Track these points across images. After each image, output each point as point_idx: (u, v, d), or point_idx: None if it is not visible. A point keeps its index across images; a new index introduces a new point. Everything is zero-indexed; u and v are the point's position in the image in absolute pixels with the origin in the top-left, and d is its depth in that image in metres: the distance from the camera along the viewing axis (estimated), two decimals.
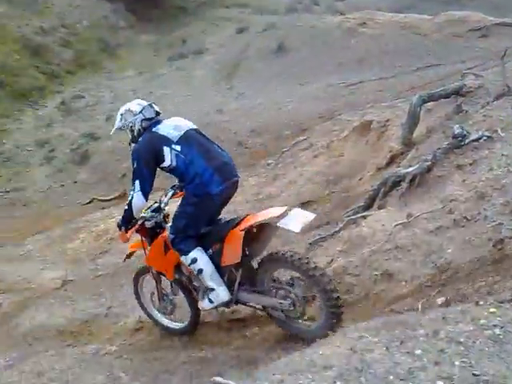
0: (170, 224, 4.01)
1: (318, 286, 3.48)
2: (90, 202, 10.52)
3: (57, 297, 6.27)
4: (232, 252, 3.64)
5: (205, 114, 11.72)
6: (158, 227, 4.10)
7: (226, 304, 3.91)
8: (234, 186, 3.92)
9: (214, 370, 3.63)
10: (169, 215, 4.10)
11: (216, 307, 3.95)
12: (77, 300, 6.01)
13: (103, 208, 9.84)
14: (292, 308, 3.61)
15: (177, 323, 4.47)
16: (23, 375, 4.29)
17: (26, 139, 13.58)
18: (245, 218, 3.74)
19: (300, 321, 3.71)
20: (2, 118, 14.20)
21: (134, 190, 3.83)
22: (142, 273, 4.49)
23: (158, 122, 3.96)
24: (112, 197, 10.34)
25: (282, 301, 3.63)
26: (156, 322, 4.57)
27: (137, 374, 4.07)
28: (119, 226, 4.09)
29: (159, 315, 4.52)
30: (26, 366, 4.45)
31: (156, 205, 4.14)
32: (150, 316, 4.60)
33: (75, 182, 11.63)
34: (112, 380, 4.03)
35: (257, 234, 3.76)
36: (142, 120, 3.93)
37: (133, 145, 4.01)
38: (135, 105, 4.02)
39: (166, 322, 4.49)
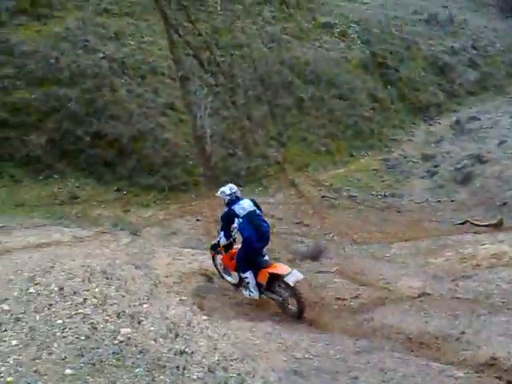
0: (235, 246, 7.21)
1: (294, 294, 6.44)
2: (463, 223, 10.18)
3: (412, 305, 6.25)
4: (262, 278, 6.73)
5: None
6: (230, 246, 7.23)
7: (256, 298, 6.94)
8: (266, 243, 6.91)
9: None
10: (236, 239, 7.22)
11: (250, 296, 6.93)
12: (431, 314, 5.84)
13: (475, 232, 9.36)
14: (285, 301, 6.59)
15: (231, 279, 7.30)
16: (368, 365, 4.40)
17: (413, 151, 14.13)
18: (272, 264, 6.81)
19: (288, 307, 6.59)
20: (396, 129, 15.14)
21: (220, 234, 7.20)
22: (215, 254, 7.66)
23: (236, 202, 6.89)
24: (488, 223, 9.72)
25: (280, 297, 6.64)
26: (223, 277, 7.55)
27: None
28: (211, 249, 7.68)
29: (225, 275, 7.48)
30: (373, 357, 4.55)
31: (231, 239, 7.23)
32: (221, 275, 7.60)
33: (452, 201, 11.46)
34: None
35: (273, 275, 6.66)
36: (228, 199, 6.93)
37: (224, 209, 7.04)
38: (228, 189, 7.00)
39: (228, 278, 7.39)
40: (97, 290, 4.28)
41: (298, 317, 6.38)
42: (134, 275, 5.21)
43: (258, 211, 6.90)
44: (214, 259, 7.69)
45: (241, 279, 7.01)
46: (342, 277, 7.92)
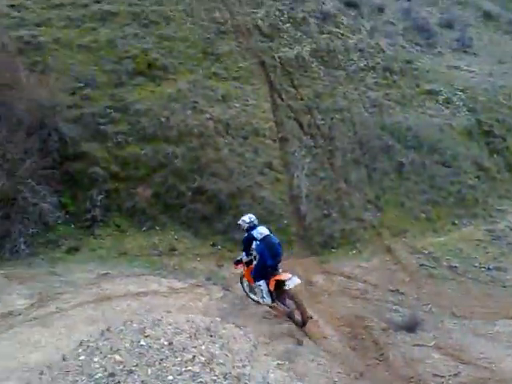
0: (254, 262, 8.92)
1: (292, 297, 8.34)
2: None
3: None
4: (271, 285, 8.40)
5: None
6: (250, 263, 9.01)
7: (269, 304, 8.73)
8: (278, 263, 8.67)
9: None
10: (255, 256, 8.78)
11: (263, 302, 8.74)
12: None
13: None
14: (292, 312, 8.39)
15: (254, 297, 9.02)
16: None
17: None
18: (279, 273, 8.53)
19: (295, 317, 8.31)
20: (502, 199, 14.45)
21: (243, 254, 9.12)
22: (242, 278, 9.56)
23: (254, 228, 8.83)
24: None
25: (288, 308, 8.43)
26: (248, 296, 9.30)
27: None
28: (235, 263, 9.49)
29: (250, 294, 9.26)
30: None
31: (250, 257, 9.01)
32: (247, 294, 9.40)
33: None
34: None
35: (279, 282, 8.38)
36: (247, 226, 8.94)
37: (245, 234, 9.01)
38: (247, 218, 9.03)
39: (252, 296, 9.17)
40: (203, 347, 4.37)
41: (303, 324, 8.21)
42: (234, 334, 5.28)
43: (272, 235, 8.85)
44: (241, 281, 9.62)
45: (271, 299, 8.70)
46: (440, 352, 7.53)
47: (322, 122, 15.12)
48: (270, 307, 8.80)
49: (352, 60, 17.76)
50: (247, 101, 15.11)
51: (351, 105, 15.74)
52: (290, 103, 15.58)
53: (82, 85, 14.00)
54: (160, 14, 17.02)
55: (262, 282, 8.56)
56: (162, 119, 13.85)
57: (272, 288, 8.40)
